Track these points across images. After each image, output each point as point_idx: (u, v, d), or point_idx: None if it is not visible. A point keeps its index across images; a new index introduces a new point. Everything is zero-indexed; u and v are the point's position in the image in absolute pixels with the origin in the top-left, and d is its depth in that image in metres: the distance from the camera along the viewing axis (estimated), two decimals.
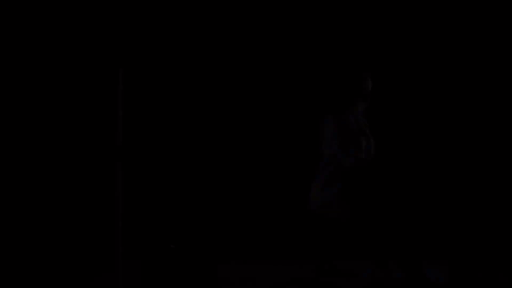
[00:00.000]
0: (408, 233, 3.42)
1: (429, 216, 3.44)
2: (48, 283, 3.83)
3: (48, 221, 5.40)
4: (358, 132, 3.66)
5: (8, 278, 3.98)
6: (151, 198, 5.91)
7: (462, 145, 4.46)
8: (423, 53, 4.78)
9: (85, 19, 5.84)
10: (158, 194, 5.98)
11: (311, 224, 3.95)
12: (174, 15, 6.23)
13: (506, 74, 4.60)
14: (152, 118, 6.10)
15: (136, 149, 5.05)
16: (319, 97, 4.01)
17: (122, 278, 3.40)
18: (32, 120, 5.63)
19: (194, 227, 5.61)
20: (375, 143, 3.63)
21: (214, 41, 6.17)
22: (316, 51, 5.87)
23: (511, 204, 3.62)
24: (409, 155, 4.52)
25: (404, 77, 4.71)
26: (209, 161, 6.34)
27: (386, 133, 4.29)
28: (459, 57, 4.72)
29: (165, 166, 6.13)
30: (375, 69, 3.90)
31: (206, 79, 6.05)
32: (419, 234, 3.49)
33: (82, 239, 5.19)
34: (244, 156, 6.51)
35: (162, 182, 6.07)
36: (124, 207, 3.43)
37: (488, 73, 4.70)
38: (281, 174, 6.53)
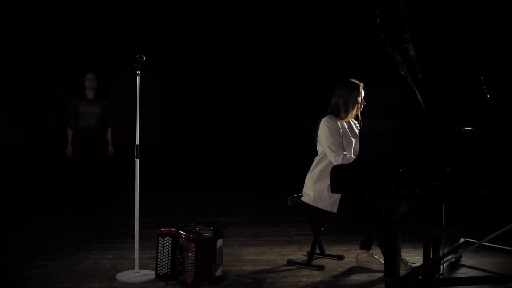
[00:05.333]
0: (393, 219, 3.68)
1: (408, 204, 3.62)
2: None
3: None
4: (347, 135, 3.91)
5: None
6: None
7: None
8: None
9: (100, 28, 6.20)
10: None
11: (305, 214, 4.19)
12: (185, 21, 6.59)
13: None
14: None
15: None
16: (320, 102, 4.22)
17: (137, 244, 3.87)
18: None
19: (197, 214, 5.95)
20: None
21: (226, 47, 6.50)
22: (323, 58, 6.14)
23: None
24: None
25: None
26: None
27: None
28: None
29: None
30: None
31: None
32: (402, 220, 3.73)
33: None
34: (244, 153, 6.84)
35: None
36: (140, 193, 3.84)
37: None
38: (278, 169, 6.84)
